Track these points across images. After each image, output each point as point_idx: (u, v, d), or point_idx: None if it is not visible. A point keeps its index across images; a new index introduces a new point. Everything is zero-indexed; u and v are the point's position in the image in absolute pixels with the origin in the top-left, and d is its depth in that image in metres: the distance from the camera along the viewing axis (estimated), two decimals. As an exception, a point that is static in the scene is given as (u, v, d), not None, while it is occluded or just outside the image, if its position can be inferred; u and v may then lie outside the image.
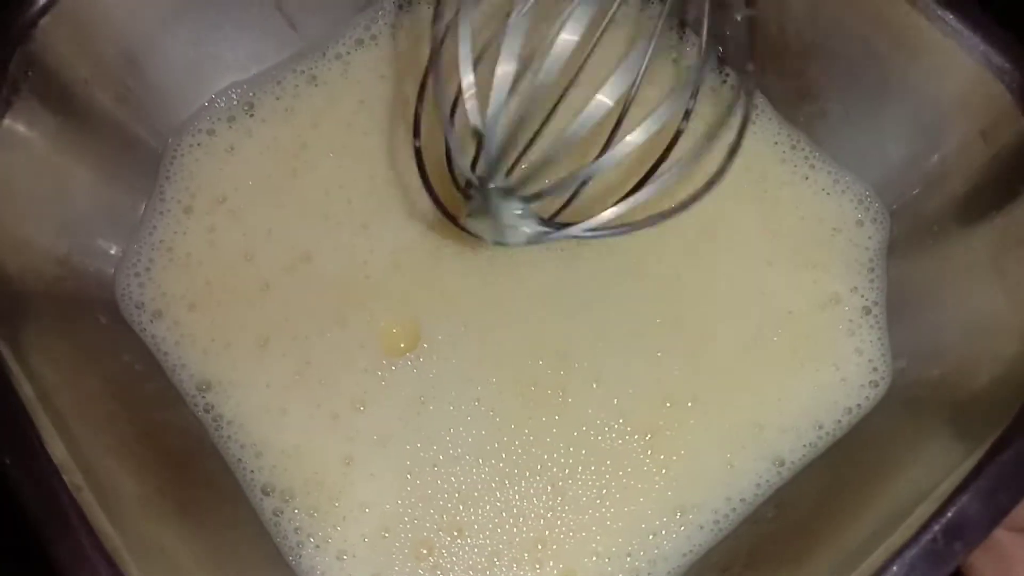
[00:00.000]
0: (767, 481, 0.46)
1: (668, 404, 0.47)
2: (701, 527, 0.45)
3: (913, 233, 0.48)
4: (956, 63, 0.43)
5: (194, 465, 0.46)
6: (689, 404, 0.47)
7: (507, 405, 0.47)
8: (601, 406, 0.47)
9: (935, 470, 0.38)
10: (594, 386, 0.47)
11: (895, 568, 0.34)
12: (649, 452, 0.46)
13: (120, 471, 0.41)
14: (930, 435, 0.42)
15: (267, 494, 0.45)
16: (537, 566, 0.44)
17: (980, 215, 0.44)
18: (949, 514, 0.34)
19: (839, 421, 0.46)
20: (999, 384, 0.40)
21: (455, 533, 0.45)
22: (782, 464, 0.46)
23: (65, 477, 0.36)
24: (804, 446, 0.46)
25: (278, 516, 0.45)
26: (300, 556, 0.45)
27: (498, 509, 0.45)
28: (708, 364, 0.47)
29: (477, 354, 0.47)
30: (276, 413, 0.47)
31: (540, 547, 0.45)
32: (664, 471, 0.46)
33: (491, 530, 0.45)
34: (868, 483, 0.42)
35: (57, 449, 0.37)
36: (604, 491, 0.45)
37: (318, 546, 0.45)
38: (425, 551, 0.45)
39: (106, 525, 0.36)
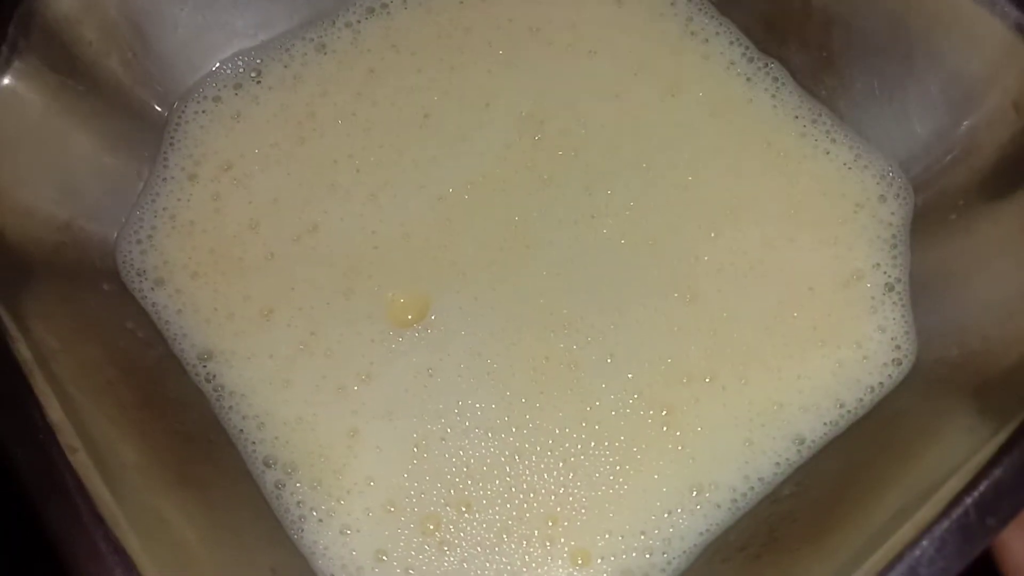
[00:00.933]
0: (787, 460, 0.44)
1: (685, 380, 0.45)
2: (718, 506, 0.43)
3: (938, 208, 0.46)
4: (987, 31, 0.41)
5: (195, 436, 0.44)
6: (707, 380, 0.45)
7: (518, 379, 0.45)
8: (615, 381, 0.45)
9: (961, 448, 0.37)
10: (608, 361, 0.46)
11: (925, 543, 0.32)
12: (664, 428, 0.45)
13: (119, 439, 0.39)
14: (955, 413, 0.41)
15: (269, 466, 0.44)
16: (548, 543, 0.43)
17: (1009, 188, 0.42)
18: (982, 488, 0.33)
19: (861, 399, 0.45)
20: (1029, 362, 0.39)
21: (463, 508, 0.44)
22: (802, 443, 0.44)
23: (61, 439, 0.35)
24: (825, 424, 0.45)
25: (280, 489, 0.44)
26: (302, 531, 0.43)
27: (508, 484, 0.44)
28: (726, 341, 0.46)
29: (487, 326, 0.46)
30: (279, 384, 0.45)
31: (551, 524, 0.43)
32: (680, 448, 0.44)
33: (500, 505, 0.44)
34: (892, 461, 0.41)
35: (53, 412, 0.36)
36: (618, 468, 0.44)
37: (321, 520, 0.43)
38: (432, 526, 0.43)
39: (104, 491, 0.35)
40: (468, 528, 0.43)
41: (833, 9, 0.47)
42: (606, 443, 0.44)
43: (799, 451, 0.44)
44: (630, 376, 0.45)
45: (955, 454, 0.37)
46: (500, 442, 0.44)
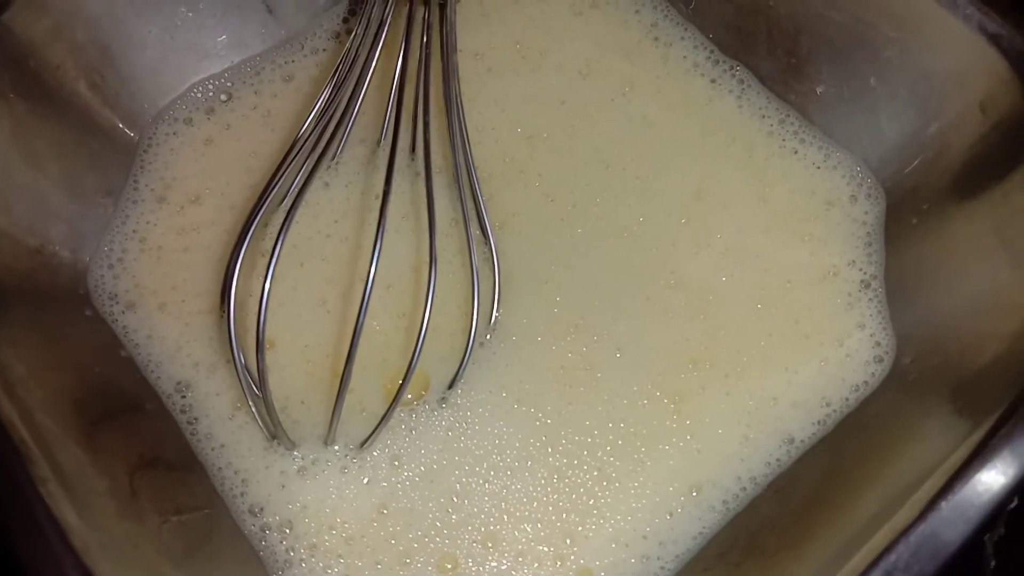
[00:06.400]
0: (777, 460, 0.44)
1: (690, 366, 0.46)
2: (713, 507, 0.43)
3: (910, 209, 0.46)
4: (951, 33, 0.42)
5: (169, 463, 0.44)
6: (708, 366, 0.45)
7: (544, 399, 0.45)
8: (629, 374, 0.45)
9: (939, 448, 0.37)
10: (618, 355, 0.46)
11: (901, 548, 0.32)
12: (676, 417, 0.45)
13: (90, 465, 0.39)
14: (933, 413, 0.41)
15: (254, 514, 0.43)
16: (559, 562, 0.43)
17: (980, 187, 0.42)
18: (956, 490, 0.33)
19: (846, 399, 0.45)
20: (1003, 360, 0.39)
21: (489, 544, 0.43)
22: (791, 442, 0.44)
23: (31, 469, 0.34)
24: (813, 424, 0.45)
25: (265, 532, 0.43)
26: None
27: (544, 504, 0.44)
28: (718, 323, 0.46)
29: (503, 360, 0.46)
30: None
31: (568, 542, 0.43)
32: (689, 438, 0.44)
33: (527, 533, 0.43)
34: (870, 463, 0.41)
35: (22, 440, 0.35)
36: (640, 467, 0.44)
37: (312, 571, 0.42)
38: (450, 566, 0.43)
39: (74, 519, 0.34)
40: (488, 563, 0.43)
41: (800, 16, 0.47)
42: (631, 440, 0.44)
43: (788, 451, 0.44)
44: (641, 367, 0.46)
45: (933, 453, 0.37)
46: (546, 466, 0.44)
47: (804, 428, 0.45)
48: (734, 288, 0.47)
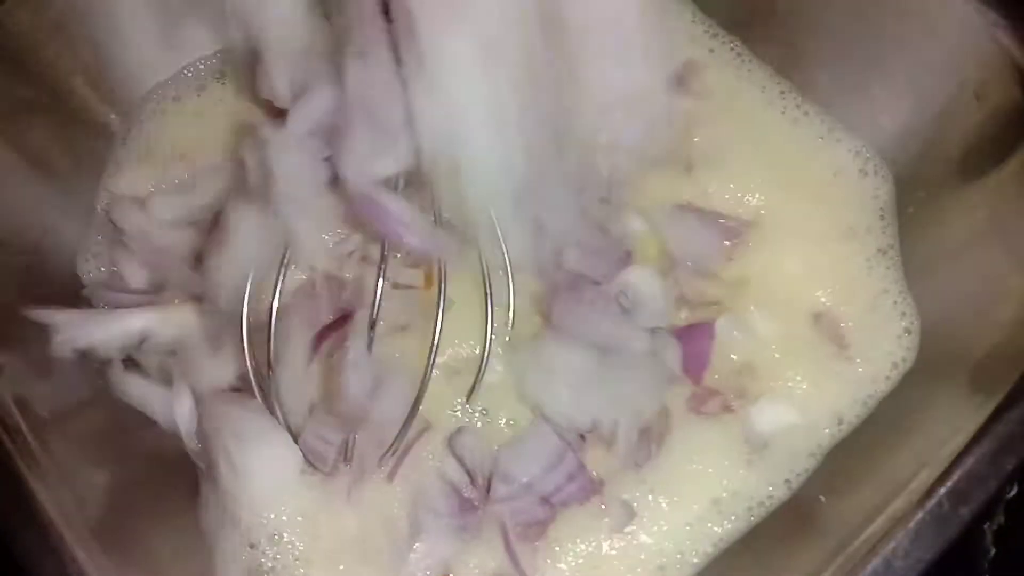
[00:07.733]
0: (819, 445, 0.43)
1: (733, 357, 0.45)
2: (744, 512, 0.42)
3: (907, 198, 0.47)
4: (948, 22, 0.42)
5: (174, 460, 0.43)
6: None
7: None
8: None
9: (938, 437, 0.37)
10: None
11: (901, 536, 0.32)
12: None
13: (89, 461, 0.39)
14: (936, 402, 0.41)
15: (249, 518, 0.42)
16: None
17: (976, 175, 0.42)
18: (954, 478, 0.33)
19: (888, 377, 0.44)
20: (1000, 350, 0.39)
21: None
22: (840, 423, 0.43)
23: (29, 463, 0.35)
24: (864, 401, 0.44)
25: (258, 538, 0.42)
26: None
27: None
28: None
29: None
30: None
31: None
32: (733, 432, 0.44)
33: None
34: (874, 451, 0.41)
35: (21, 435, 0.35)
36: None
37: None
38: None
39: (73, 513, 0.35)
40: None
41: (799, 5, 0.47)
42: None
43: (832, 435, 0.43)
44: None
45: (933, 444, 0.37)
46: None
47: (853, 405, 0.44)
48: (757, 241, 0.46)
